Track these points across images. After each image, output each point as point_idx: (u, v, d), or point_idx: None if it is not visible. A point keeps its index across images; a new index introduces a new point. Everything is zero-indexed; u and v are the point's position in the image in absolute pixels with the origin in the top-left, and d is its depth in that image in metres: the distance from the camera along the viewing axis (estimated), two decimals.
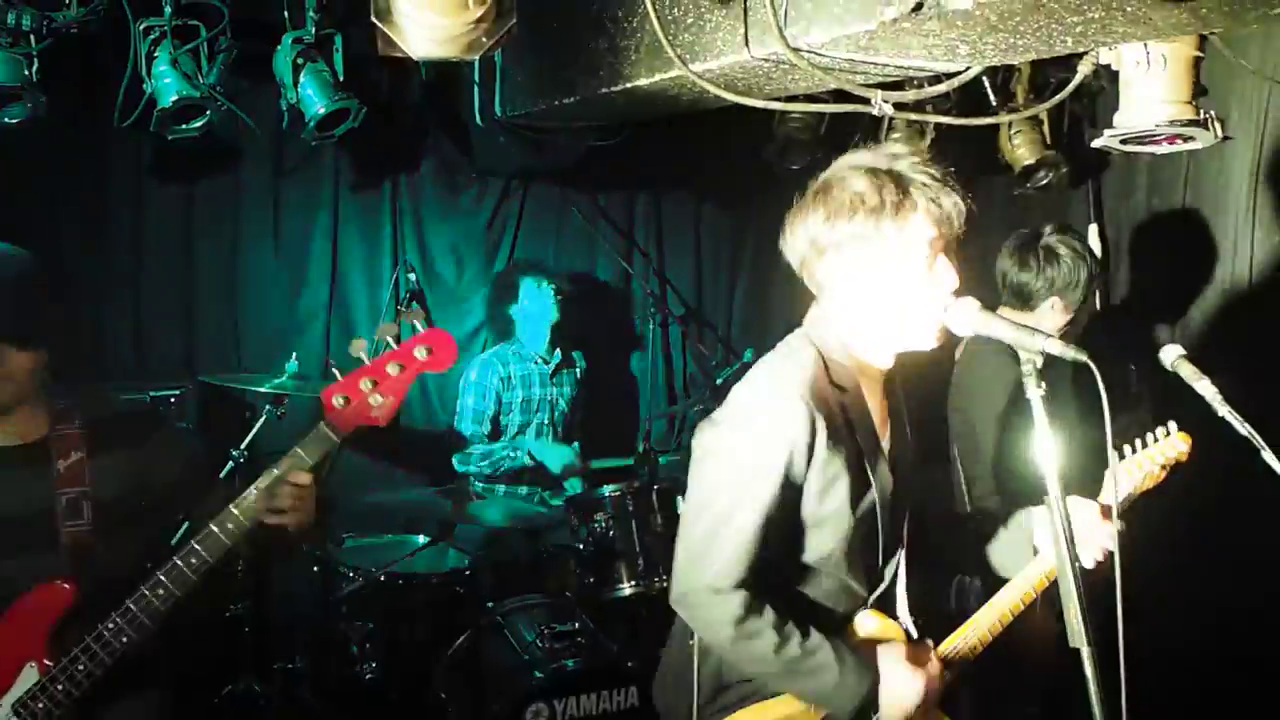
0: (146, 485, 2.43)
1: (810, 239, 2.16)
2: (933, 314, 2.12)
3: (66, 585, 2.26)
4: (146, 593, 2.23)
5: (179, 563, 2.23)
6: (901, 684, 2.17)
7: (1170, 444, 2.45)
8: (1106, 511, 2.28)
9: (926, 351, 2.19)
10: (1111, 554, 2.14)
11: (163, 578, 2.23)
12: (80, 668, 2.20)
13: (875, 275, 2.12)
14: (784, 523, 2.15)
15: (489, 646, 3.76)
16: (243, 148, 4.48)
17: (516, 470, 4.71)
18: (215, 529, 2.24)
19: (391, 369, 2.30)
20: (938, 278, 2.11)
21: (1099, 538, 2.27)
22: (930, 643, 2.32)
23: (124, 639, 2.22)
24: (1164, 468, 2.44)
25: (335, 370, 2.33)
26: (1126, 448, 2.41)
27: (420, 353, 2.31)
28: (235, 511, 2.24)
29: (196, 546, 2.24)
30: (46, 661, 2.22)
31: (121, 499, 2.38)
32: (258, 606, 3.95)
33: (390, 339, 2.32)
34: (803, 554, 2.22)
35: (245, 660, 3.92)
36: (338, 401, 2.28)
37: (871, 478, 2.20)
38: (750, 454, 2.12)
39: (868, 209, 2.08)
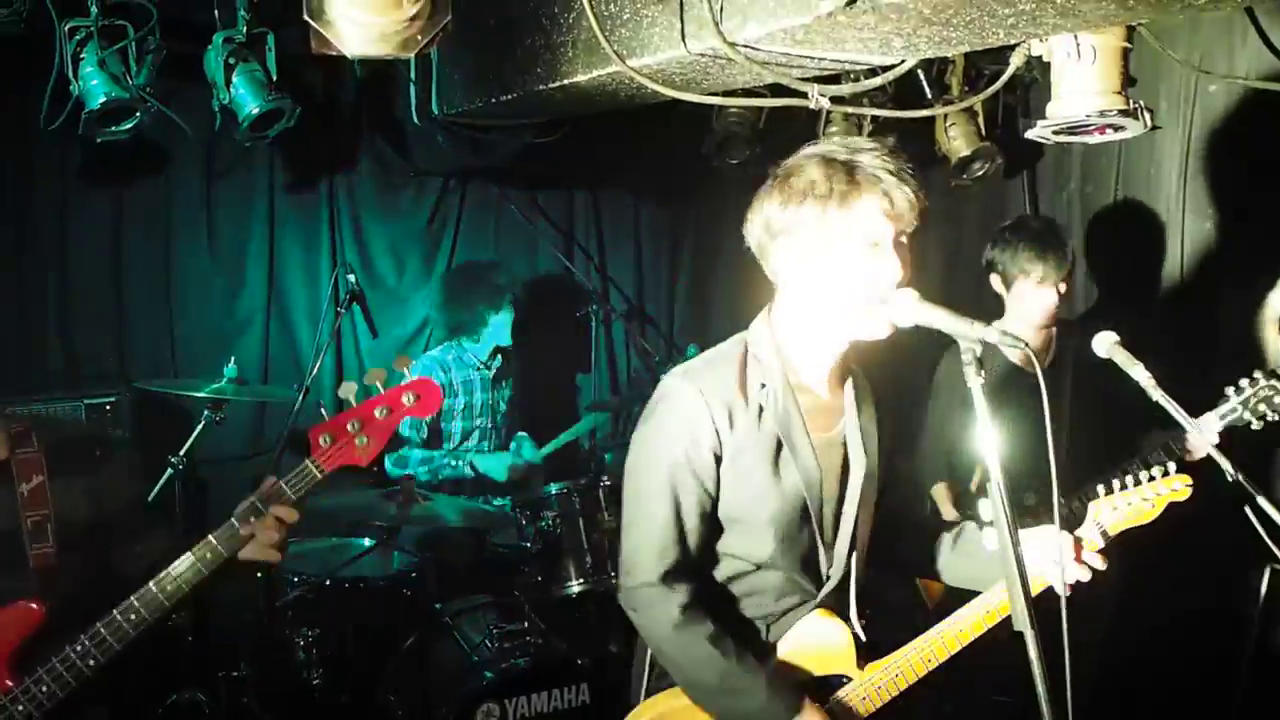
0: (104, 509, 2.40)
1: (765, 222, 2.20)
2: (874, 304, 2.13)
3: (34, 606, 2.22)
4: (118, 617, 2.20)
5: (153, 588, 2.22)
6: None
7: (1165, 484, 2.31)
8: (1080, 545, 2.27)
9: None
10: (1081, 580, 2.22)
11: (135, 602, 2.21)
12: (44, 689, 2.17)
13: (819, 262, 2.15)
14: (710, 516, 2.23)
15: (438, 648, 3.74)
16: (174, 150, 4.40)
17: (456, 480, 4.65)
18: (194, 557, 2.24)
19: (379, 413, 2.36)
20: (880, 268, 2.12)
21: (1071, 568, 2.23)
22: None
23: (91, 662, 2.19)
24: (1154, 504, 2.31)
25: (323, 410, 2.39)
26: (1115, 481, 2.32)
27: (407, 399, 2.39)
28: (213, 541, 2.25)
29: (172, 573, 2.23)
30: (8, 682, 2.18)
31: (81, 522, 2.35)
32: (200, 615, 3.88)
33: (379, 384, 2.38)
34: (734, 548, 2.27)
35: (188, 670, 3.86)
36: (324, 440, 2.32)
37: (795, 474, 2.22)
38: (654, 444, 2.22)
39: (816, 196, 2.12)
